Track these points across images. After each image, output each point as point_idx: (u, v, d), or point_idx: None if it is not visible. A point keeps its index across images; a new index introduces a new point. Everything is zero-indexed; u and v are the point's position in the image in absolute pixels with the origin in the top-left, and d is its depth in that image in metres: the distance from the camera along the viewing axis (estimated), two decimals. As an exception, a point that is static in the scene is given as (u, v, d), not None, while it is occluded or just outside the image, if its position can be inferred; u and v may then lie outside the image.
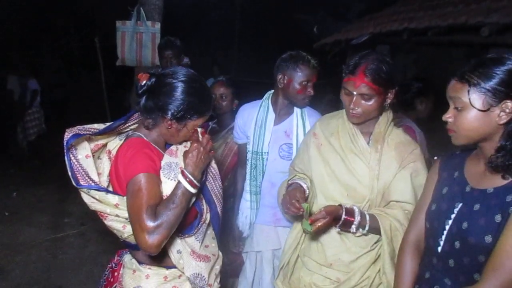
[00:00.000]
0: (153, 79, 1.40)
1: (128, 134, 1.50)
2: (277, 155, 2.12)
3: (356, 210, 1.54)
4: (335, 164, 1.65)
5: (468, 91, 1.13)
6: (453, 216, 1.23)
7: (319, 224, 1.49)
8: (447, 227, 1.23)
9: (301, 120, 2.11)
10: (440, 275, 1.25)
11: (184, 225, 1.44)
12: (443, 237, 1.24)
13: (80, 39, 8.67)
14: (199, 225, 1.50)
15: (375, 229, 1.55)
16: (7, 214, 4.61)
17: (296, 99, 2.08)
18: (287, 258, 1.78)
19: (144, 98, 1.41)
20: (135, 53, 4.30)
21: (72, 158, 1.39)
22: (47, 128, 6.92)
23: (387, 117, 1.62)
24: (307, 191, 1.70)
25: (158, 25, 4.29)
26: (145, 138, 1.43)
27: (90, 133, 1.41)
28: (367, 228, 1.54)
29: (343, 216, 1.51)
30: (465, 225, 1.18)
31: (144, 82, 1.40)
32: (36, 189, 5.50)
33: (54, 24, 9.00)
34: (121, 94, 7.32)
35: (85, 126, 1.45)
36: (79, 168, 1.40)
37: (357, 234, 1.58)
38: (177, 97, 1.37)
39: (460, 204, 1.23)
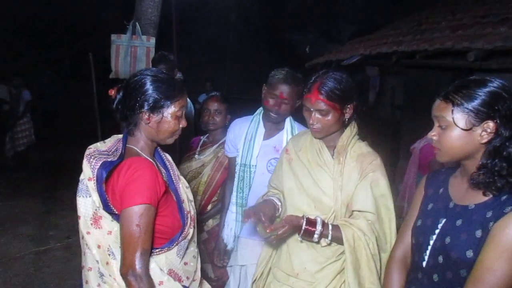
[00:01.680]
0: (122, 90, 1.45)
1: (116, 148, 1.46)
2: (265, 169, 2.15)
3: (319, 220, 1.58)
4: (303, 177, 1.72)
5: (452, 111, 1.18)
6: (437, 231, 1.26)
7: (279, 232, 1.55)
8: (431, 242, 1.27)
9: (290, 135, 2.14)
10: (425, 290, 1.27)
11: (166, 238, 1.43)
12: (428, 252, 1.27)
13: (72, 50, 8.69)
14: (180, 239, 1.47)
15: (338, 239, 1.58)
16: (-10, 225, 4.53)
17: (265, 110, 2.15)
18: (260, 271, 1.83)
19: (119, 109, 1.45)
20: (129, 66, 4.33)
21: (103, 186, 1.34)
22: (36, 139, 6.86)
23: (350, 130, 1.69)
24: (280, 209, 1.79)
25: (153, 40, 4.34)
26: (138, 150, 1.44)
27: (117, 160, 1.36)
28: (329, 237, 1.58)
29: (304, 226, 1.56)
30: (448, 240, 1.21)
31: (115, 95, 1.45)
32: (22, 200, 5.42)
33: (47, 35, 9.03)
34: (112, 106, 7.32)
35: (95, 149, 1.41)
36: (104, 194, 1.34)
37: (323, 244, 1.62)
38: (145, 89, 1.40)
39: (444, 220, 1.26)
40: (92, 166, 1.33)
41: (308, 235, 1.58)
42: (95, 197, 1.32)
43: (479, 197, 1.20)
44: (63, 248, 4.12)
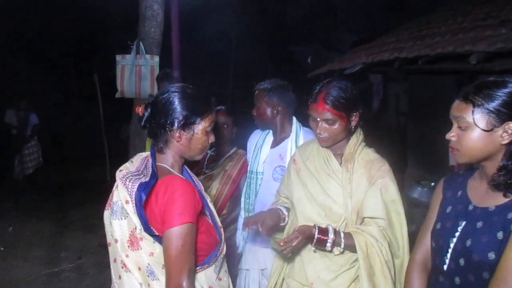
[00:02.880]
0: (149, 107, 1.45)
1: (145, 167, 1.44)
2: (271, 177, 2.18)
3: (330, 228, 1.58)
4: (312, 186, 1.72)
5: (473, 111, 1.17)
6: (457, 234, 1.25)
7: (293, 244, 1.54)
8: (451, 245, 1.25)
9: (294, 144, 2.18)
10: (447, 294, 1.25)
11: (204, 255, 1.41)
12: (448, 255, 1.26)
13: (78, 71, 8.81)
14: (218, 255, 1.46)
15: (351, 247, 1.57)
16: (2, 249, 4.53)
17: None
18: (274, 281, 1.83)
19: (148, 126, 1.45)
20: (134, 85, 4.37)
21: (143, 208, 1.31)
22: (43, 161, 6.91)
23: (356, 138, 1.70)
24: (286, 218, 1.80)
25: (156, 58, 4.39)
26: (168, 168, 1.42)
27: (153, 180, 1.33)
28: (342, 245, 1.57)
29: (316, 235, 1.56)
30: (468, 242, 1.20)
31: (143, 113, 1.45)
32: (32, 223, 5.43)
33: (53, 57, 9.16)
34: (118, 127, 7.37)
35: (127, 171, 1.39)
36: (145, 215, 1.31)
37: (336, 253, 1.61)
38: (175, 107, 1.39)
39: (464, 222, 1.25)
40: (129, 189, 1.29)
41: (320, 244, 1.57)
42: (135, 219, 1.29)
43: (499, 199, 1.19)
44: (74, 269, 4.10)
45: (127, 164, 1.45)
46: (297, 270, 1.73)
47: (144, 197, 1.27)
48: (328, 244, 1.56)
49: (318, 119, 1.63)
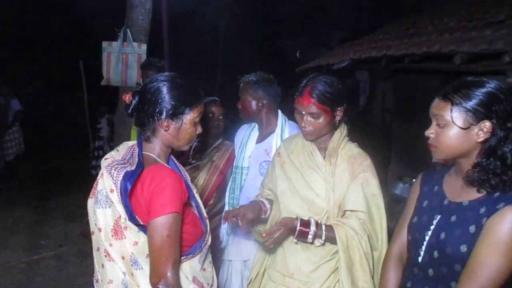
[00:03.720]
0: (137, 95, 1.43)
1: (131, 156, 1.43)
2: (257, 172, 2.20)
3: (312, 221, 1.62)
4: (296, 180, 1.75)
5: (451, 110, 1.21)
6: (432, 227, 1.29)
7: (275, 235, 1.58)
8: (427, 238, 1.30)
9: (280, 139, 2.20)
10: (420, 284, 1.30)
11: (189, 245, 1.42)
12: (423, 247, 1.30)
13: (62, 58, 8.64)
14: (203, 245, 1.47)
15: (332, 239, 1.62)
16: (-19, 236, 4.46)
17: None
18: (255, 272, 1.86)
19: (135, 114, 1.44)
20: (121, 74, 4.32)
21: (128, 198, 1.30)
22: (25, 149, 6.79)
23: (340, 133, 1.73)
24: (268, 210, 1.83)
25: (144, 47, 4.34)
26: (155, 157, 1.41)
27: (139, 169, 1.32)
28: (323, 238, 1.61)
29: (298, 227, 1.60)
30: (442, 235, 1.24)
31: (130, 100, 1.43)
32: (12, 210, 5.35)
33: (35, 43, 8.96)
34: (103, 115, 7.27)
35: (112, 160, 1.38)
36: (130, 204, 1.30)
37: (317, 244, 1.65)
38: (163, 96, 1.38)
39: (439, 216, 1.29)
40: (114, 178, 1.29)
41: (302, 236, 1.61)
42: (120, 208, 1.29)
43: (473, 194, 1.23)
44: (55, 257, 4.08)
45: (112, 153, 1.44)
46: (279, 261, 1.77)
47: (129, 187, 1.27)
48: (310, 236, 1.60)
49: (303, 113, 1.66)
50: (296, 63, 6.72)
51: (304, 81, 1.69)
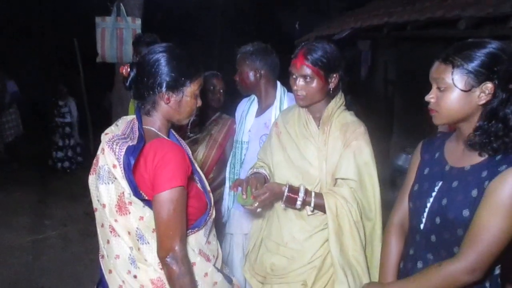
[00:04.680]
0: (134, 67, 1.41)
1: (131, 130, 1.41)
2: (258, 146, 2.18)
3: (302, 188, 1.62)
4: (291, 150, 1.76)
5: (452, 72, 1.19)
6: (434, 194, 1.29)
7: (261, 198, 1.61)
8: (428, 205, 1.30)
9: (279, 112, 2.17)
10: (423, 251, 1.31)
11: (194, 219, 1.42)
12: (425, 214, 1.31)
13: (57, 37, 8.50)
14: (207, 219, 1.48)
15: (321, 207, 1.63)
16: (-16, 217, 4.52)
17: None
18: (253, 243, 1.90)
19: (134, 87, 1.42)
20: (116, 50, 4.27)
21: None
22: (24, 130, 6.79)
23: (335, 102, 1.72)
24: (270, 180, 1.83)
25: (138, 21, 4.27)
26: (156, 131, 1.40)
27: (141, 144, 1.31)
28: (312, 205, 1.62)
29: (286, 193, 1.61)
30: (444, 201, 1.25)
31: (128, 73, 1.41)
32: (14, 191, 5.40)
33: (29, 22, 8.81)
34: (100, 94, 7.23)
35: (113, 135, 1.35)
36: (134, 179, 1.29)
37: (309, 213, 1.67)
38: (163, 68, 1.36)
39: (440, 183, 1.29)
40: (116, 153, 1.28)
41: (290, 202, 1.63)
42: (123, 184, 1.28)
43: (474, 158, 1.23)
44: (60, 236, 4.14)
45: (112, 128, 1.42)
46: (274, 231, 1.79)
47: (133, 161, 1.26)
48: (298, 203, 1.61)
49: (296, 75, 1.65)
50: (296, 34, 6.61)
51: (301, 44, 1.68)
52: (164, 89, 1.37)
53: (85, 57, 5.56)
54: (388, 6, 4.53)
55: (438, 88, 1.23)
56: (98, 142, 1.43)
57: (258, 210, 1.66)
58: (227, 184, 2.35)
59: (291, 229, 1.73)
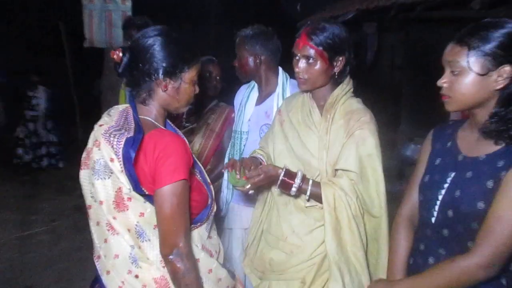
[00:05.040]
0: (127, 52, 1.37)
1: (125, 120, 1.38)
2: (258, 137, 2.17)
3: (299, 174, 1.59)
4: (293, 139, 1.73)
5: (467, 55, 1.17)
6: (446, 185, 1.28)
7: (255, 180, 1.58)
8: (440, 197, 1.29)
9: (281, 99, 2.15)
10: (434, 246, 1.31)
11: (196, 213, 1.42)
12: (436, 207, 1.30)
13: (41, 20, 8.42)
14: (209, 212, 1.47)
15: (317, 196, 1.59)
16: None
17: None
18: (252, 236, 1.88)
19: (127, 74, 1.39)
20: (105, 33, 4.23)
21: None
22: (7, 120, 6.77)
23: (341, 88, 1.67)
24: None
25: (129, 3, 4.23)
26: (152, 121, 1.38)
27: (140, 135, 1.28)
28: (308, 193, 1.59)
29: (281, 177, 1.58)
30: (457, 193, 1.24)
31: (121, 58, 1.37)
32: (0, 185, 5.39)
33: (11, 3, 8.71)
34: (89, 81, 7.18)
35: (108, 126, 1.32)
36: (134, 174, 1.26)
37: (306, 204, 1.65)
38: (160, 53, 1.34)
39: (453, 173, 1.28)
40: (114, 146, 1.25)
41: (285, 187, 1.60)
42: (123, 178, 1.25)
43: (490, 147, 1.22)
44: (48, 232, 4.15)
45: (105, 118, 1.39)
46: (274, 225, 1.78)
47: (133, 154, 1.23)
48: (294, 189, 1.58)
49: (298, 56, 1.61)
50: (297, 16, 6.54)
51: (306, 23, 1.64)
52: (161, 75, 1.34)
53: (72, 42, 5.52)
54: (396, -14, 4.48)
55: (452, 72, 1.21)
56: (87, 133, 1.40)
57: (250, 192, 1.64)
58: (226, 177, 2.34)
59: (291, 222, 1.72)
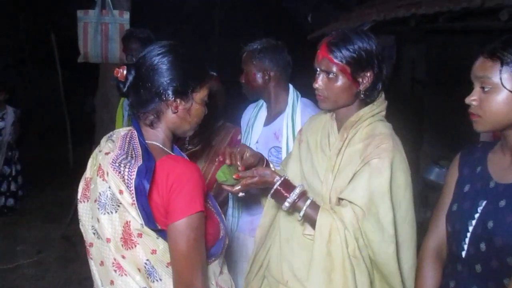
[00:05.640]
0: (133, 69, 1.38)
1: (130, 146, 1.37)
2: None
3: (298, 189, 1.52)
4: (305, 163, 1.69)
5: (500, 70, 1.18)
6: (477, 215, 1.28)
7: (247, 182, 1.54)
8: (470, 228, 1.28)
9: (291, 120, 2.16)
10: (466, 283, 1.29)
11: (210, 246, 1.40)
12: (467, 239, 1.29)
13: (32, 31, 8.59)
14: (223, 246, 1.46)
15: (312, 221, 1.51)
16: None
17: None
18: (248, 268, 1.84)
19: (133, 94, 1.39)
20: (100, 48, 4.30)
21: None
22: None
23: (371, 108, 1.57)
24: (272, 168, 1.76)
25: (127, 15, 4.31)
26: (161, 146, 1.38)
27: (151, 163, 1.26)
28: (302, 213, 1.51)
29: (276, 185, 1.52)
30: (490, 224, 1.23)
31: (125, 76, 1.37)
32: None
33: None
34: (82, 97, 7.27)
35: (115, 154, 1.30)
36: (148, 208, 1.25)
37: (305, 232, 1.58)
38: (171, 72, 1.34)
39: (484, 202, 1.28)
40: (125, 177, 1.23)
41: (278, 199, 1.55)
42: (133, 212, 1.24)
43: None
44: (33, 265, 4.13)
45: (109, 145, 1.38)
46: (274, 265, 1.72)
47: (147, 186, 1.22)
48: (286, 204, 1.51)
49: (318, 70, 1.54)
50: (308, 29, 6.62)
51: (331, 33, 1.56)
52: (171, 95, 1.35)
53: (64, 55, 5.61)
54: (415, -5, 4.55)
55: (482, 88, 1.23)
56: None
57: (241, 195, 1.60)
58: (231, 204, 2.33)
59: (292, 263, 1.63)
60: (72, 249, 4.19)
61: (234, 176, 1.55)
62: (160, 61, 1.35)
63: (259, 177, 1.54)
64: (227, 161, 1.59)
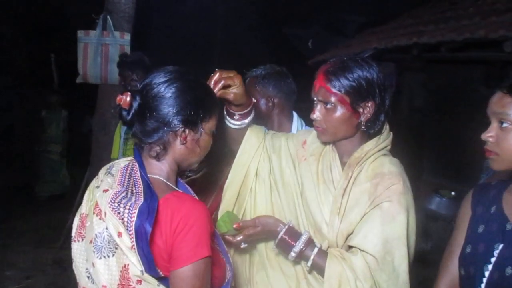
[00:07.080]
0: (138, 96, 1.28)
1: (130, 180, 1.28)
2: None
3: (304, 236, 1.44)
4: (309, 190, 1.55)
5: None
6: (493, 259, 1.22)
7: (249, 232, 1.47)
8: (486, 273, 1.22)
9: None
10: (482, 334, 1.22)
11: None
12: (483, 285, 1.22)
13: (31, 52, 8.62)
14: (229, 285, 1.35)
15: (321, 270, 1.41)
16: None
17: None
18: None
19: (137, 122, 1.29)
20: (100, 69, 4.27)
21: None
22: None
23: (375, 142, 1.49)
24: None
25: (127, 36, 4.30)
26: (165, 180, 1.29)
27: (154, 202, 1.17)
28: (310, 263, 1.42)
29: (281, 234, 1.44)
30: (509, 270, 1.17)
31: (129, 104, 1.27)
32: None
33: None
34: (80, 119, 7.22)
35: (115, 192, 1.20)
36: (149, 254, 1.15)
37: (306, 269, 1.49)
38: (179, 99, 1.26)
39: (501, 245, 1.22)
40: (125, 218, 1.13)
41: (283, 248, 1.46)
42: (133, 257, 1.13)
43: None
44: (22, 291, 4.01)
45: (108, 180, 1.27)
46: None
47: (149, 229, 1.12)
48: (292, 254, 1.43)
49: (315, 100, 1.47)
50: (308, 54, 6.66)
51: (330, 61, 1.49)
52: (181, 125, 1.27)
53: (63, 75, 5.60)
54: (416, 24, 4.59)
55: (500, 123, 1.18)
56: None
57: (243, 246, 1.52)
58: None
59: None
60: (63, 275, 4.08)
61: (234, 226, 1.48)
62: (168, 88, 1.26)
63: (262, 226, 1.48)
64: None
